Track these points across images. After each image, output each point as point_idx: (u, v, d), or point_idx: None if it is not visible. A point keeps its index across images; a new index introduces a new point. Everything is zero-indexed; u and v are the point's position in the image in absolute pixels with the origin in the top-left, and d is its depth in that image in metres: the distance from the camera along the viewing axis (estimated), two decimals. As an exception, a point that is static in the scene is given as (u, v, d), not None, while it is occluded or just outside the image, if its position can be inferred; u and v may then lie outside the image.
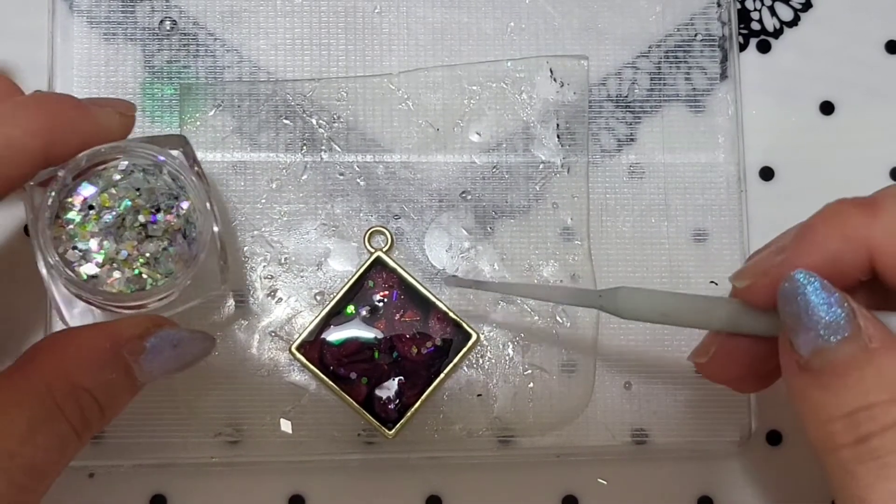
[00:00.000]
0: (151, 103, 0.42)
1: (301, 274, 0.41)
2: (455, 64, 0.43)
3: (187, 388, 0.40)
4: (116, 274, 0.33)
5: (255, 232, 0.41)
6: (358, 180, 0.42)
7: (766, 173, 0.44)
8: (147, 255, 0.33)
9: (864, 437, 0.26)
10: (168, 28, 0.42)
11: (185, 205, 0.34)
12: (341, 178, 0.42)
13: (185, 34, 0.42)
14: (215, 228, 0.35)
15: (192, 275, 0.34)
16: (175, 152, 0.35)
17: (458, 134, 0.43)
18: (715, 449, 0.42)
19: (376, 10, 0.43)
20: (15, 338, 0.41)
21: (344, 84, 0.43)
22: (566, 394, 0.41)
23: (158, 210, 0.34)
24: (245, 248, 0.41)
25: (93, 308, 0.35)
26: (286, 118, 0.42)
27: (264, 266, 0.41)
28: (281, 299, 0.41)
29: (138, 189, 0.33)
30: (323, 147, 0.42)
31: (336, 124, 0.42)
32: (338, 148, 0.42)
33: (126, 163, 0.34)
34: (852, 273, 0.28)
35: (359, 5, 0.43)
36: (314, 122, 0.42)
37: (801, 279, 0.27)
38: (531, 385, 0.41)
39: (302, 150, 0.42)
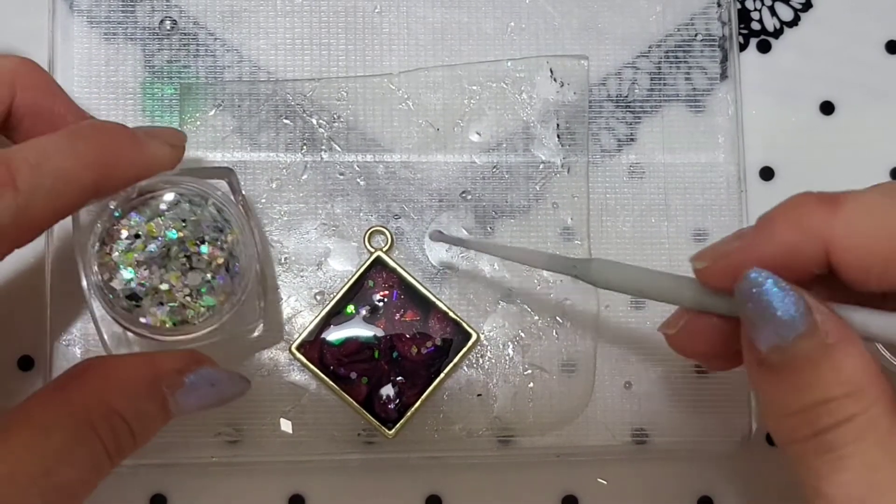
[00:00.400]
0: (151, 103, 0.42)
1: (301, 273, 0.41)
2: (455, 64, 0.43)
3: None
4: (159, 304, 0.33)
5: (255, 232, 0.41)
6: (358, 180, 0.42)
7: (766, 173, 0.44)
8: (190, 286, 0.33)
9: (820, 430, 0.26)
10: (168, 28, 0.42)
11: (229, 238, 0.34)
12: (341, 177, 0.42)
13: (185, 34, 0.42)
14: (257, 264, 0.35)
15: (234, 308, 0.34)
16: (220, 184, 0.35)
17: (458, 134, 0.43)
18: (715, 449, 0.42)
19: (376, 10, 0.43)
20: (14, 340, 0.41)
21: (344, 84, 0.42)
22: (566, 394, 0.41)
23: (203, 242, 0.33)
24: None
25: (130, 334, 0.35)
26: (286, 118, 0.42)
27: (264, 266, 0.41)
28: (281, 299, 0.41)
29: (184, 220, 0.33)
30: (323, 147, 0.42)
31: (336, 124, 0.42)
32: (338, 148, 0.42)
33: (173, 194, 0.33)
34: (808, 266, 0.28)
35: (359, 5, 0.43)
36: (314, 121, 0.42)
37: (756, 277, 0.27)
38: (531, 385, 0.41)
39: (302, 149, 0.42)
